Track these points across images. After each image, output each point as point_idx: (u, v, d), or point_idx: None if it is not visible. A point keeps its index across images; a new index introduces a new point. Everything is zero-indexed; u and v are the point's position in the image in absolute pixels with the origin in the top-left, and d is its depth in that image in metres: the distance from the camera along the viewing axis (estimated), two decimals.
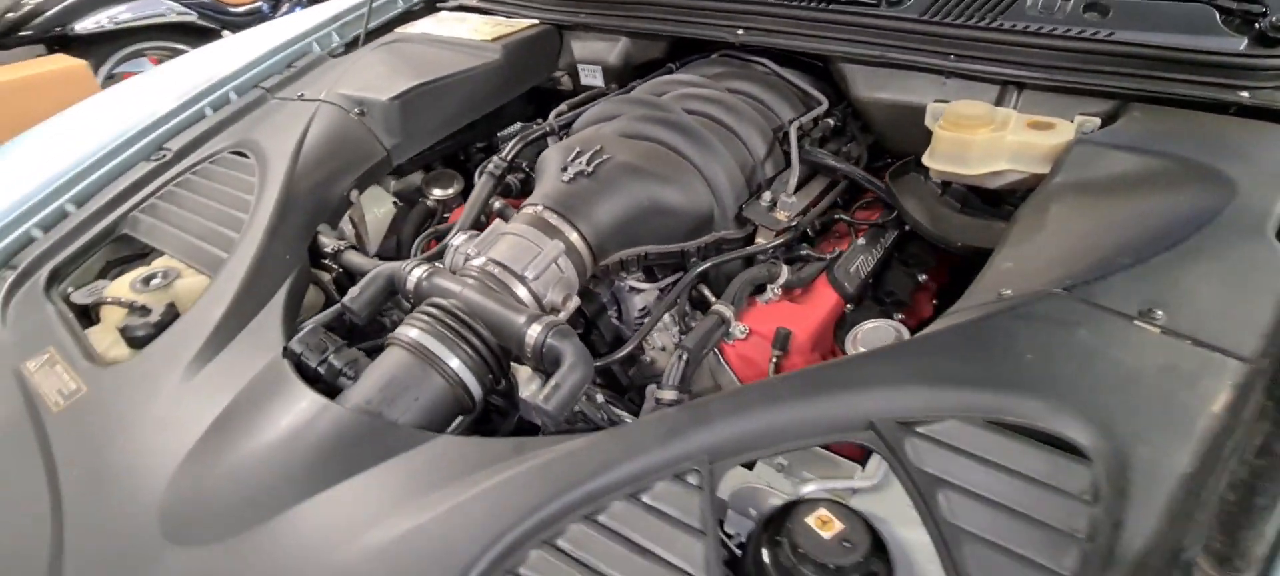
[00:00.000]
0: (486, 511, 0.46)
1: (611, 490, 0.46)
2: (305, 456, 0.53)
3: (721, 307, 0.71)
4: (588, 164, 0.77)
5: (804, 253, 0.81)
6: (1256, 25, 0.77)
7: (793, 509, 0.45)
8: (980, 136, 0.73)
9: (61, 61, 2.19)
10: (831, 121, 0.95)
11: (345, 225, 0.91)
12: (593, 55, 1.15)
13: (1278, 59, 0.73)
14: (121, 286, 0.75)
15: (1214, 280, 0.53)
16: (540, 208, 0.74)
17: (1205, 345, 0.48)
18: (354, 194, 0.90)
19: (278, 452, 0.53)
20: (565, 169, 0.77)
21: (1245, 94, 0.72)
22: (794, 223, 0.78)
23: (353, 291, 0.71)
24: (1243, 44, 0.76)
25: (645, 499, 0.46)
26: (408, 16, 1.33)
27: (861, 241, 0.83)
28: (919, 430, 0.47)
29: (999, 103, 0.84)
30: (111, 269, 0.84)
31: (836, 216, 0.87)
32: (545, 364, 0.61)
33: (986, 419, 0.46)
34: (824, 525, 0.45)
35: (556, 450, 0.50)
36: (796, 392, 0.51)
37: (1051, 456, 0.44)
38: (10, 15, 2.28)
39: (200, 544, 0.48)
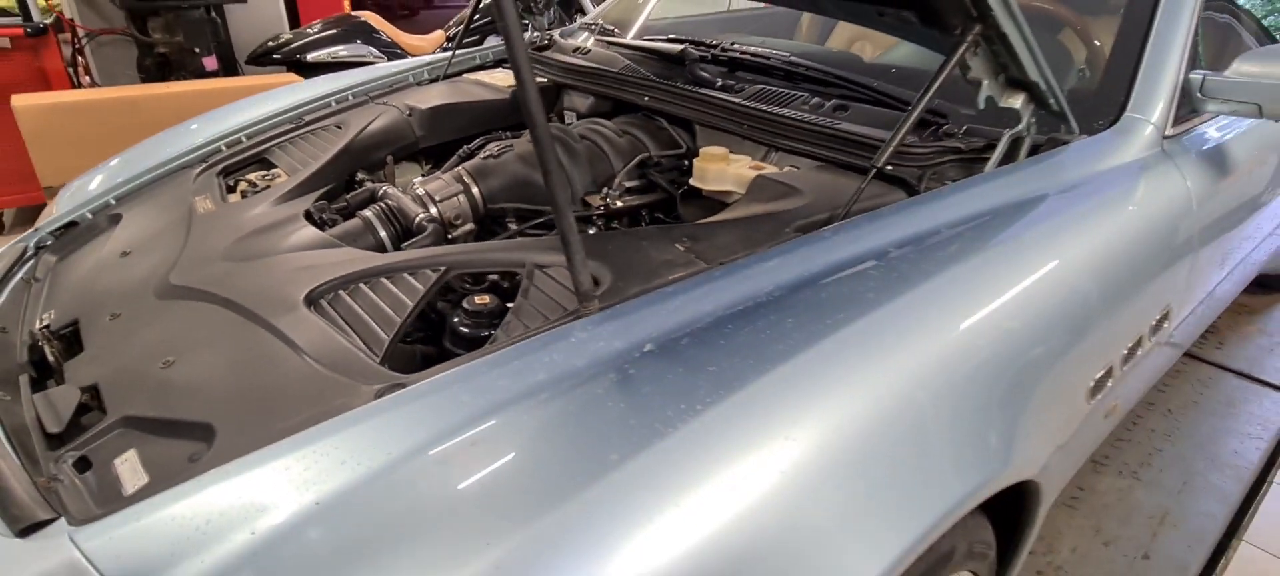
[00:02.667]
0: (330, 265, 0.98)
1: (392, 271, 0.97)
2: (293, 241, 1.09)
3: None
4: (497, 152, 1.30)
5: (614, 227, 1.28)
6: (941, 128, 1.16)
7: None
8: (712, 167, 1.17)
9: (290, 77, 3.14)
10: (686, 162, 1.41)
11: (382, 176, 1.51)
12: (573, 105, 1.70)
13: (919, 150, 1.11)
14: (249, 177, 1.39)
15: (735, 235, 0.94)
16: (462, 170, 1.28)
17: (704, 259, 0.91)
18: (389, 159, 1.49)
19: (283, 238, 1.10)
20: (486, 153, 1.31)
21: (890, 168, 1.11)
22: (606, 202, 1.26)
23: (351, 193, 1.28)
24: (914, 140, 1.14)
25: (404, 276, 0.96)
26: (479, 68, 1.97)
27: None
28: (545, 269, 0.93)
29: (764, 158, 1.27)
30: (254, 172, 1.49)
31: (656, 216, 1.33)
32: (418, 237, 1.13)
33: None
34: (480, 298, 0.93)
35: (384, 257, 1.01)
36: (503, 249, 1.00)
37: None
38: (269, 43, 3.27)
39: (236, 261, 1.05)
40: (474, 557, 0.55)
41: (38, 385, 0.92)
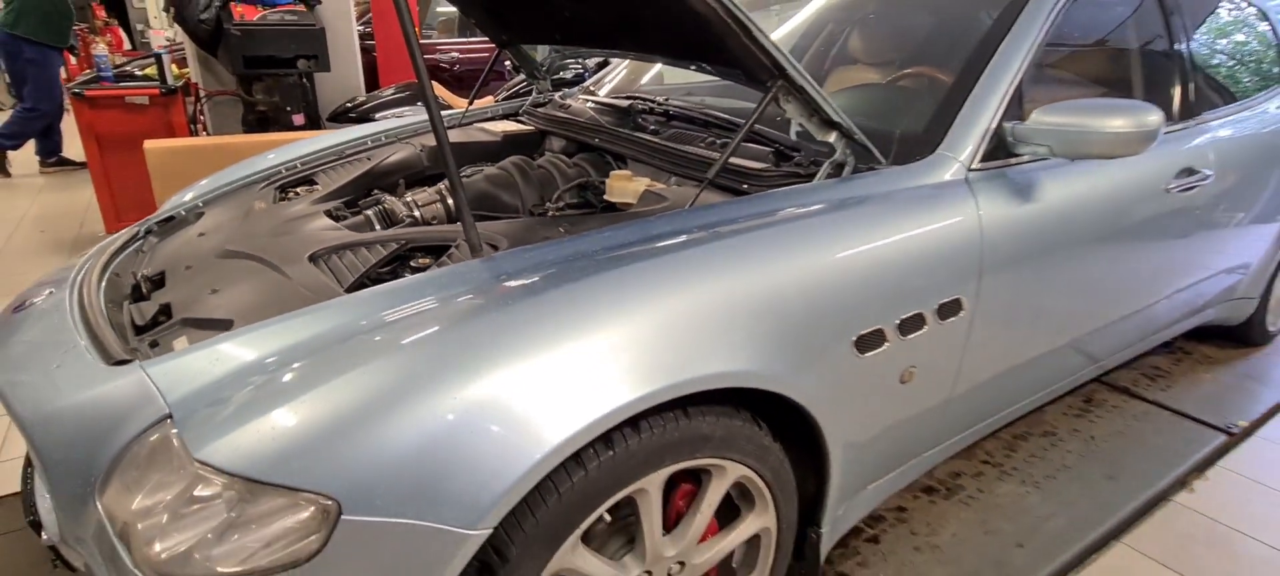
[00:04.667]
0: (331, 239, 1.41)
1: (370, 243, 1.39)
2: (312, 226, 1.53)
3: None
4: (470, 174, 1.73)
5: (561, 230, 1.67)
6: (795, 158, 1.51)
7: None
8: (617, 185, 1.56)
9: None
10: None
11: (396, 194, 1.96)
12: (551, 145, 2.13)
13: (769, 173, 1.45)
14: (296, 189, 1.87)
15: (601, 223, 1.31)
16: (442, 187, 1.71)
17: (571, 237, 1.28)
18: (401, 182, 1.94)
19: (306, 224, 1.54)
20: (463, 175, 1.74)
21: (746, 186, 1.46)
22: (546, 211, 1.65)
23: (364, 199, 1.73)
24: (768, 166, 1.49)
25: (377, 246, 1.37)
26: (489, 119, 2.44)
27: None
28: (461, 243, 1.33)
29: (667, 181, 1.64)
30: (302, 187, 1.97)
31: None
32: (397, 226, 1.56)
33: (488, 241, 1.31)
34: (422, 260, 1.33)
35: (367, 235, 1.43)
36: (445, 232, 1.40)
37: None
38: (346, 104, 3.90)
39: (272, 236, 1.50)
40: (320, 386, 0.93)
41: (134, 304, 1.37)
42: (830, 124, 1.38)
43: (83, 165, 5.69)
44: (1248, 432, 2.28)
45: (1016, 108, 1.55)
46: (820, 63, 2.26)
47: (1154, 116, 1.40)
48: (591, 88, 2.44)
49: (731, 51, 1.31)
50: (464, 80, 6.11)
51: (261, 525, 0.86)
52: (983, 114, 1.51)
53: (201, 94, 3.89)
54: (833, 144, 1.40)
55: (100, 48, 3.69)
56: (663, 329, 1.04)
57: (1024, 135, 1.48)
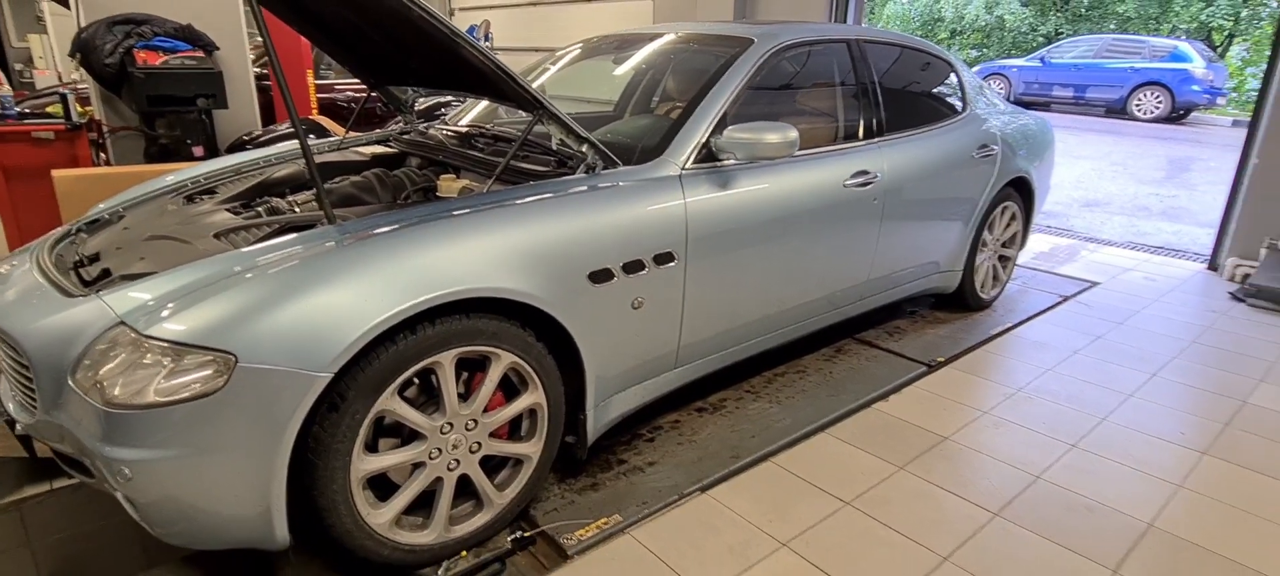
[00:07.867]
0: (229, 224, 1.98)
1: (259, 225, 1.97)
2: (214, 217, 2.09)
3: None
4: (340, 181, 2.33)
5: None
6: (569, 164, 2.19)
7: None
8: (444, 185, 2.19)
9: None
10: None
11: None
12: (410, 162, 2.75)
13: (547, 172, 2.13)
14: (201, 197, 2.41)
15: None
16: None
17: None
18: (287, 190, 2.51)
19: (210, 216, 2.10)
20: (334, 182, 2.34)
21: (532, 182, 2.12)
22: (396, 204, 2.27)
23: (257, 201, 2.30)
24: (548, 168, 2.17)
25: (263, 227, 1.95)
26: (366, 144, 3.03)
27: None
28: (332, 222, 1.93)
29: (484, 183, 2.29)
30: (205, 195, 2.50)
31: None
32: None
33: (341, 217, 1.92)
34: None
35: (257, 220, 2.01)
36: (315, 215, 2.00)
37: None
38: (244, 137, 4.37)
39: (183, 223, 2.04)
40: (224, 292, 1.52)
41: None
42: (581, 139, 2.07)
43: None
44: (942, 365, 3.12)
45: (724, 129, 2.30)
46: (648, 97, 3.00)
47: (793, 133, 2.17)
48: (448, 119, 3.08)
49: (505, 92, 1.98)
50: (377, 116, 6.61)
51: (187, 373, 1.44)
52: (695, 133, 2.25)
53: (105, 129, 4.26)
54: (585, 152, 2.09)
55: (5, 88, 4.02)
56: (448, 261, 1.68)
57: (720, 145, 2.22)
